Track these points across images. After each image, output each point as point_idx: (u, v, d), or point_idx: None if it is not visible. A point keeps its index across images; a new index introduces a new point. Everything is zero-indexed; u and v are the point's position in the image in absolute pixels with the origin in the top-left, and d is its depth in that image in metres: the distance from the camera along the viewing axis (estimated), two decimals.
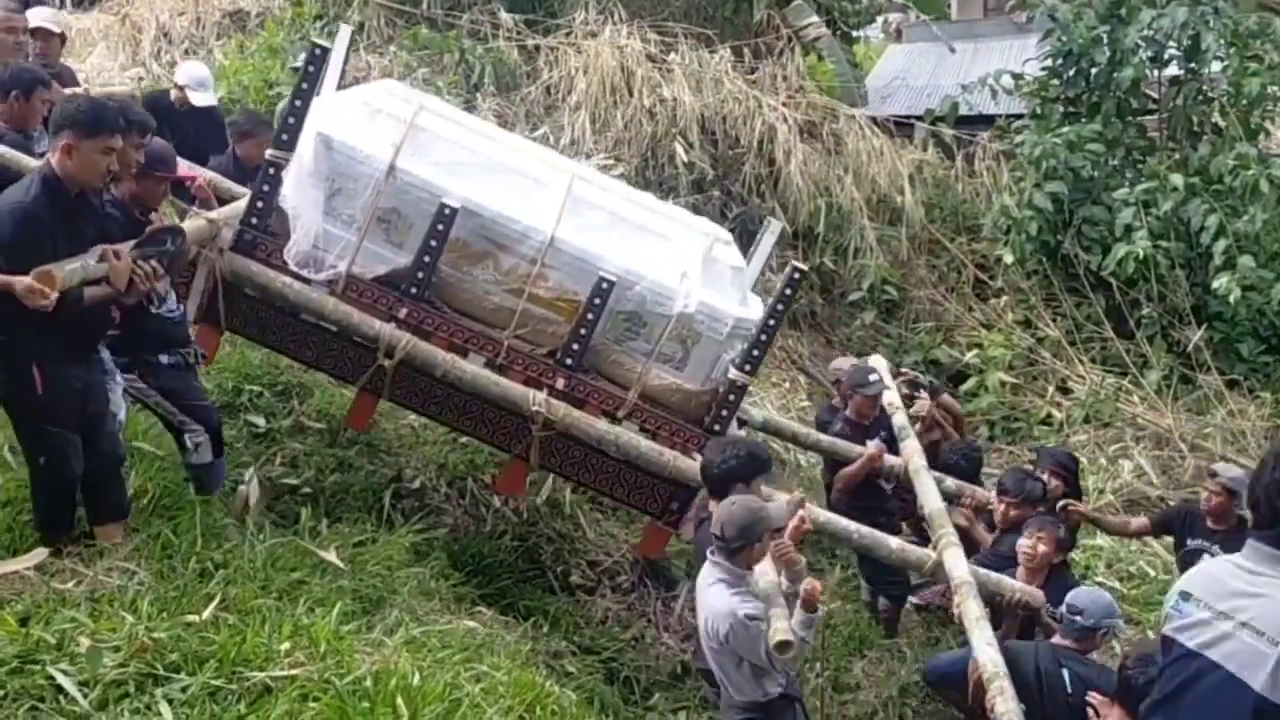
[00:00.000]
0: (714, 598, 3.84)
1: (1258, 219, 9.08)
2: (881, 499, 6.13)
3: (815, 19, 11.43)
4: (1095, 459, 8.39)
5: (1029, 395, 9.56)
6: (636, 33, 10.01)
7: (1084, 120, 10.38)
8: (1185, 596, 2.65)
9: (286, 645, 3.37)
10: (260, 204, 4.78)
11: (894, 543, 5.03)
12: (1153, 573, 6.81)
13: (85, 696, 2.97)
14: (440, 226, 4.67)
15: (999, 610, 4.64)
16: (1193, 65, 10.31)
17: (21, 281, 3.27)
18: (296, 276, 4.73)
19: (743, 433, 5.50)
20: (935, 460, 6.13)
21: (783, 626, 3.72)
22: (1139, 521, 6.16)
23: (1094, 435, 8.88)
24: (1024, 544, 4.78)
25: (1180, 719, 2.62)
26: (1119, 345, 9.64)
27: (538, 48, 10.01)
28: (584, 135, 9.26)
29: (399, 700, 3.23)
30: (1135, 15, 9.97)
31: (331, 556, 4.31)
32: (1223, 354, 9.58)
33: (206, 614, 3.43)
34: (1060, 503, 5.59)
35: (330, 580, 4.13)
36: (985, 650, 3.85)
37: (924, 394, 6.76)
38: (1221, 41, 9.81)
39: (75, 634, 3.18)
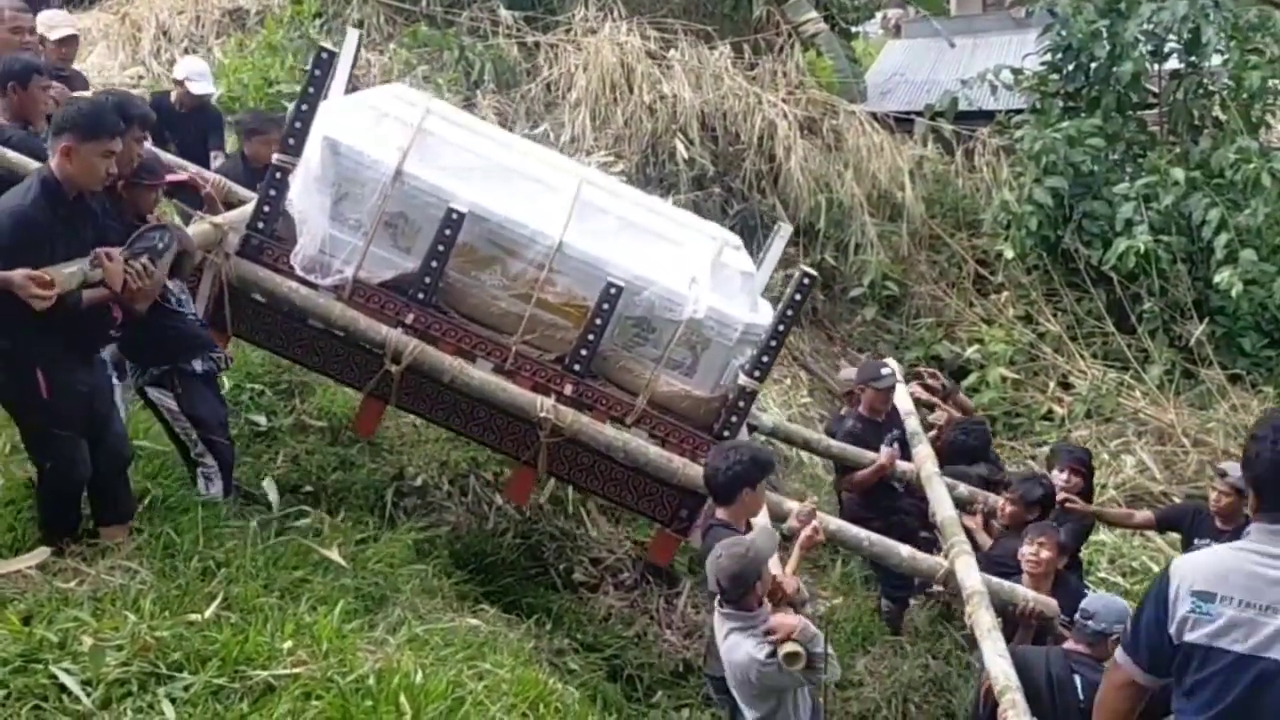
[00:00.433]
0: (731, 650, 3.77)
1: (1259, 213, 9.06)
2: (895, 499, 6.08)
3: (814, 15, 11.43)
4: (1097, 454, 8.35)
5: (1030, 391, 9.54)
6: (636, 29, 9.99)
7: (1084, 115, 10.35)
8: (1206, 597, 2.42)
9: (289, 644, 3.38)
10: (267, 208, 4.75)
11: (905, 551, 4.93)
12: (1156, 568, 6.80)
13: (88, 695, 2.98)
14: (448, 231, 4.63)
15: (1011, 620, 4.55)
16: (1193, 59, 10.28)
17: (20, 273, 3.26)
18: (303, 281, 4.70)
19: (750, 439, 5.46)
20: (944, 458, 6.09)
21: (790, 645, 3.65)
22: (1143, 515, 6.13)
23: (1095, 430, 8.88)
24: (1026, 551, 4.71)
25: None
26: (1120, 340, 9.62)
27: (537, 45, 10.00)
28: (584, 132, 9.24)
29: (402, 698, 3.23)
30: (1135, 9, 9.94)
31: (334, 555, 4.30)
32: (1224, 348, 9.57)
33: (209, 613, 3.44)
34: (1060, 499, 5.58)
35: (333, 579, 4.13)
36: (997, 662, 3.78)
37: (942, 402, 6.73)
38: (1222, 35, 9.78)
39: (78, 633, 3.19)
